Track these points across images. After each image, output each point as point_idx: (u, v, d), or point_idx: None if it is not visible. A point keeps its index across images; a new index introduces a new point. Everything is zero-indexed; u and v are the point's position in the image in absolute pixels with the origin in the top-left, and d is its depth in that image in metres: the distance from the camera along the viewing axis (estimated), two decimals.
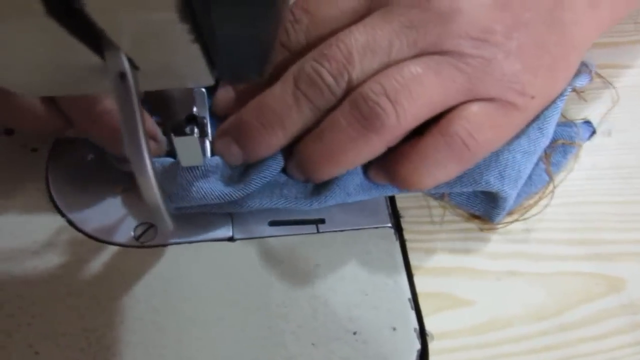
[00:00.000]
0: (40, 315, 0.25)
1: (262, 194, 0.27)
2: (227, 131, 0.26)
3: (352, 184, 0.27)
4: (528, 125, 0.27)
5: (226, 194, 0.26)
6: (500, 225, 0.29)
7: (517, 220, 0.29)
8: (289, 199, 0.27)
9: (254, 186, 0.26)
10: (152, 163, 0.18)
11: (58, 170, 0.29)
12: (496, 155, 0.27)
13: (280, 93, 0.25)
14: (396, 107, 0.23)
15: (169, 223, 0.20)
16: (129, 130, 0.17)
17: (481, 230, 0.29)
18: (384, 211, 0.29)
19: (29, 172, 0.29)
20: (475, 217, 0.30)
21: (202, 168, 0.26)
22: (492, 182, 0.26)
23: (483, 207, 0.29)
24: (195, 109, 0.24)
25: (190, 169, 0.26)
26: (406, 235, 0.29)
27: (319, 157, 0.25)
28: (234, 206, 0.27)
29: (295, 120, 0.25)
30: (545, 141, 0.28)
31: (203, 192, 0.25)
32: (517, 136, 0.27)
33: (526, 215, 0.29)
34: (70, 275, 0.26)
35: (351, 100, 0.24)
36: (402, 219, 0.29)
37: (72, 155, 0.29)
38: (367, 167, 0.28)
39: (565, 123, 0.32)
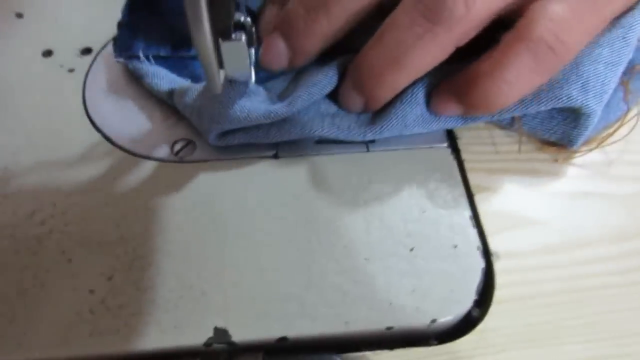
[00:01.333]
0: (75, 223, 0.23)
1: (312, 121, 0.25)
2: (274, 26, 0.24)
3: (412, 115, 0.25)
4: (610, 34, 0.24)
5: (271, 112, 0.24)
6: (578, 154, 0.26)
7: (594, 148, 0.26)
8: (341, 128, 0.25)
9: (302, 102, 0.24)
10: (209, 17, 0.17)
11: (95, 88, 0.28)
12: (576, 66, 0.24)
13: None
14: None
15: (218, 84, 0.19)
16: None
17: (556, 161, 0.26)
18: (439, 131, 0.27)
19: (66, 90, 0.28)
20: (549, 144, 0.27)
21: (245, 88, 0.24)
22: (575, 96, 0.23)
23: (562, 129, 0.25)
24: (243, 17, 0.22)
25: (234, 86, 0.24)
26: (464, 156, 0.26)
27: (382, 63, 0.23)
28: (281, 132, 0.25)
29: (342, 5, 0.23)
30: (629, 51, 0.24)
31: (247, 111, 0.24)
32: (600, 45, 0.24)
33: (605, 144, 0.26)
34: (107, 187, 0.24)
35: None
36: (458, 140, 0.27)
37: (109, 74, 0.28)
38: (429, 98, 0.25)
39: None
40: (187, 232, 0.23)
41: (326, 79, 0.25)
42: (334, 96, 0.26)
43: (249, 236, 0.23)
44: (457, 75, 0.24)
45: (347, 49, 0.26)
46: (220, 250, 0.23)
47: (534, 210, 0.25)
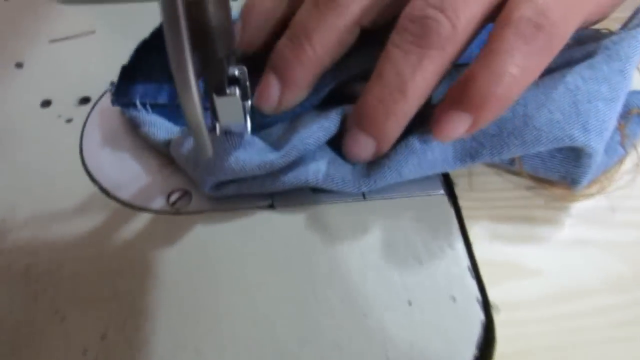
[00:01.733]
0: (69, 279, 0.23)
1: (307, 171, 0.25)
2: (267, 66, 0.25)
3: (407, 165, 0.24)
4: (609, 68, 0.24)
5: (266, 163, 0.24)
6: (578, 199, 0.26)
7: (595, 194, 0.26)
8: (335, 180, 0.25)
9: (297, 153, 0.24)
10: (197, 80, 0.17)
11: (92, 139, 0.28)
12: (575, 106, 0.24)
13: (304, 5, 0.24)
14: (446, 12, 0.21)
15: (208, 147, 0.19)
16: (173, 40, 0.16)
17: (554, 201, 0.26)
18: (435, 177, 0.27)
19: (64, 141, 0.28)
20: (549, 184, 0.26)
21: (240, 139, 0.24)
22: (577, 136, 0.23)
23: (564, 168, 0.25)
24: (237, 71, 0.23)
25: (229, 138, 0.24)
26: (461, 203, 0.26)
27: (387, 96, 0.23)
28: (275, 183, 0.25)
29: (323, 32, 0.24)
30: (627, 85, 0.24)
31: (242, 162, 0.24)
32: (597, 81, 0.24)
33: (606, 191, 0.26)
34: (102, 240, 0.24)
35: (399, 27, 0.22)
36: (455, 187, 0.27)
37: (107, 124, 0.29)
38: (423, 144, 0.24)
39: (638, 90, 0.30)
40: (183, 287, 0.23)
41: (321, 130, 0.25)
42: (328, 143, 0.26)
43: (244, 290, 0.23)
44: (451, 87, 0.23)
45: (345, 94, 0.27)
46: (216, 305, 0.22)
47: (534, 259, 0.24)
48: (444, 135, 0.23)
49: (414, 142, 0.24)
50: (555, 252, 0.25)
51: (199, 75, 0.17)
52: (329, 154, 0.26)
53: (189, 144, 0.25)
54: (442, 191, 0.26)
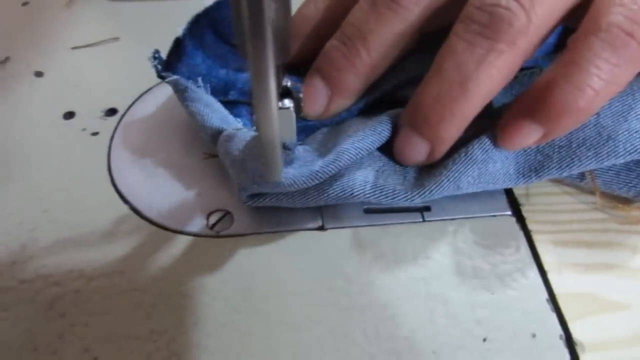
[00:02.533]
0: (99, 314, 0.20)
1: (353, 182, 0.22)
2: (313, 68, 0.23)
3: (466, 176, 0.22)
4: None
5: (318, 172, 0.21)
6: None
7: None
8: (384, 192, 0.22)
9: (348, 158, 0.21)
10: (278, 92, 0.14)
11: (121, 154, 0.25)
12: None
13: (360, 5, 0.22)
14: (520, 1, 0.19)
15: (278, 171, 0.16)
16: (255, 46, 0.13)
17: (628, 222, 0.23)
18: (501, 197, 0.24)
19: (90, 156, 0.25)
20: (624, 203, 0.24)
21: (291, 153, 0.22)
22: None
23: None
24: (289, 82, 0.20)
25: (282, 152, 0.21)
26: (530, 226, 0.23)
27: (445, 93, 0.20)
28: (319, 195, 0.22)
29: (382, 35, 0.21)
30: None
31: (292, 177, 0.21)
32: None
33: None
34: (135, 268, 0.22)
35: (464, 16, 0.20)
36: (522, 207, 0.24)
37: (136, 137, 0.26)
38: (486, 154, 0.22)
39: None
40: (226, 323, 0.20)
41: (374, 134, 0.22)
42: (377, 151, 0.23)
43: (295, 327, 0.20)
44: (524, 95, 0.20)
45: (395, 100, 0.24)
46: (265, 344, 0.20)
47: (618, 290, 0.22)
48: (511, 145, 0.21)
49: (475, 150, 0.22)
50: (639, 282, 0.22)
51: (279, 86, 0.15)
52: (377, 163, 0.23)
53: (239, 142, 0.22)
54: (509, 212, 0.24)
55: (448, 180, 0.22)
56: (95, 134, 0.26)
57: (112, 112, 0.27)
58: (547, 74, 0.20)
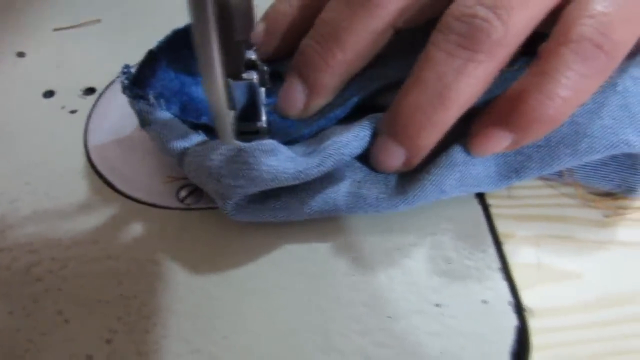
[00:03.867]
0: (73, 280, 0.21)
1: (337, 193, 0.22)
2: (291, 67, 0.23)
3: (449, 179, 0.22)
4: None
5: (301, 172, 0.21)
6: (630, 211, 0.24)
7: None
8: (368, 201, 0.22)
9: (332, 163, 0.21)
10: (221, 61, 0.15)
11: (98, 131, 0.26)
12: (626, 109, 0.22)
13: (334, 3, 0.22)
14: (498, 12, 0.19)
15: (229, 134, 0.17)
16: (198, 20, 0.14)
17: (606, 217, 0.24)
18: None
19: (68, 133, 0.26)
20: (600, 196, 0.25)
21: (268, 145, 0.21)
22: (632, 141, 0.21)
23: (619, 177, 0.23)
24: (254, 56, 0.21)
25: (259, 145, 0.21)
26: (489, 200, 0.25)
27: (424, 102, 0.20)
28: (302, 206, 0.22)
29: (356, 33, 0.22)
30: None
31: (274, 171, 0.21)
32: None
33: None
34: (108, 238, 0.23)
35: (442, 26, 0.20)
36: None
37: (113, 115, 0.27)
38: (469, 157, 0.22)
39: None
40: (196, 289, 0.21)
41: (357, 140, 0.22)
42: (357, 162, 0.24)
43: (262, 293, 0.21)
44: (495, 103, 0.21)
45: (375, 107, 0.24)
46: (232, 309, 0.21)
47: (571, 261, 0.23)
48: (481, 151, 0.22)
49: (456, 154, 0.22)
50: (594, 254, 0.23)
51: (223, 57, 0.15)
52: (359, 174, 0.23)
53: (212, 152, 0.21)
54: None
55: (432, 184, 0.22)
56: (73, 111, 0.27)
57: (90, 91, 0.28)
58: (519, 83, 0.20)
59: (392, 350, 0.20)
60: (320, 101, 0.24)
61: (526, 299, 0.22)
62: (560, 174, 0.24)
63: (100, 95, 0.28)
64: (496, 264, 0.23)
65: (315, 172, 0.21)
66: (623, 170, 0.23)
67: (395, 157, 0.22)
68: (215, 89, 0.15)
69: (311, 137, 0.24)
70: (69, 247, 0.22)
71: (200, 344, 0.20)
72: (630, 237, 0.24)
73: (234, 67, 0.21)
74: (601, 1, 0.20)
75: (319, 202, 0.22)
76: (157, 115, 0.23)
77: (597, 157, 0.22)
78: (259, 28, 0.25)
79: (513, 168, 0.23)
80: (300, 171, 0.21)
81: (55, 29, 0.32)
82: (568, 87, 0.19)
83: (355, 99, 0.24)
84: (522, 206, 0.25)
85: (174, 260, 0.22)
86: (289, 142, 0.24)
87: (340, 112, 0.24)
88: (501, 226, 0.24)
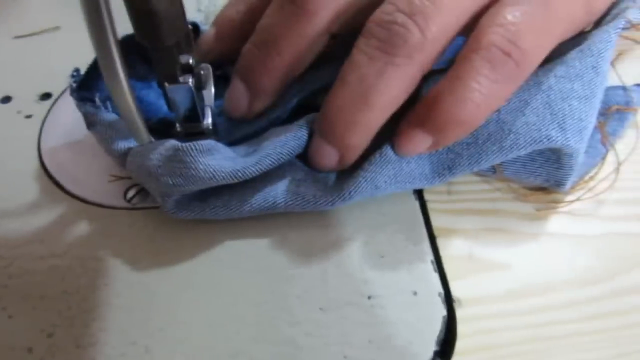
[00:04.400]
0: (19, 276, 0.22)
1: (275, 191, 0.23)
2: (234, 70, 0.24)
3: (382, 176, 0.23)
4: (580, 64, 0.24)
5: (238, 171, 0.22)
6: (561, 205, 0.25)
7: (582, 197, 0.25)
8: (306, 198, 0.23)
9: (270, 162, 0.22)
10: (125, 70, 0.16)
11: (51, 135, 0.27)
12: (549, 106, 0.23)
13: (271, 10, 0.23)
14: (415, 19, 0.20)
15: (144, 135, 0.18)
16: (94, 30, 0.15)
17: (537, 210, 0.25)
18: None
19: (22, 137, 0.27)
20: (534, 190, 0.26)
21: (205, 145, 0.22)
22: (554, 136, 0.22)
23: (545, 171, 0.24)
24: (190, 59, 0.22)
25: (197, 145, 0.22)
26: (426, 196, 0.25)
27: (349, 104, 0.22)
28: (241, 204, 0.23)
29: (292, 39, 0.23)
30: (601, 81, 0.24)
31: (212, 170, 0.21)
32: (570, 79, 0.23)
33: (588, 194, 0.25)
34: (55, 237, 0.24)
35: (365, 32, 0.21)
36: None
37: (67, 120, 0.28)
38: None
39: (616, 86, 0.29)
40: (135, 284, 0.22)
41: (295, 139, 0.23)
42: (299, 161, 0.24)
43: (199, 287, 0.22)
44: (417, 105, 0.22)
45: (315, 107, 0.24)
46: (168, 303, 0.22)
47: (500, 253, 0.24)
48: (405, 151, 0.23)
49: (388, 151, 0.23)
50: (523, 245, 0.24)
51: (128, 63, 0.16)
52: (299, 173, 0.24)
53: (152, 152, 0.22)
54: None
55: (365, 180, 0.23)
56: (29, 116, 0.28)
57: (46, 96, 0.29)
58: (436, 87, 0.21)
59: (321, 340, 0.21)
60: (262, 103, 0.25)
61: (456, 290, 0.22)
62: (493, 170, 0.25)
63: (56, 100, 0.29)
64: (429, 256, 0.23)
65: (253, 171, 0.22)
66: (549, 165, 0.24)
67: (328, 157, 0.23)
68: (120, 90, 0.16)
69: (254, 138, 0.25)
70: (16, 246, 0.23)
71: (137, 337, 0.21)
72: (559, 229, 0.24)
73: (169, 72, 0.21)
74: (512, 11, 0.21)
75: (258, 200, 0.23)
76: (102, 116, 0.24)
77: (522, 152, 0.23)
78: (210, 33, 0.27)
79: (446, 165, 0.24)
80: (238, 170, 0.22)
81: (16, 37, 0.33)
82: (479, 91, 0.20)
83: (295, 100, 0.25)
84: (458, 201, 0.25)
85: (116, 257, 0.23)
86: (233, 142, 0.25)
87: (281, 112, 0.25)
88: (436, 221, 0.25)
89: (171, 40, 0.20)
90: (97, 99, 0.25)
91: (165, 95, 0.22)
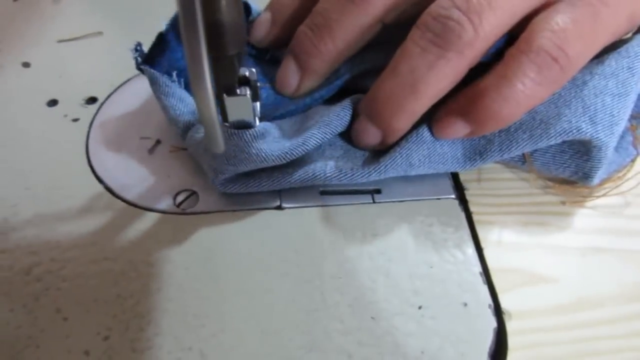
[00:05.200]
0: (72, 280, 0.22)
1: (315, 164, 0.24)
2: (287, 50, 0.25)
3: (417, 154, 0.24)
4: (616, 64, 0.24)
5: (287, 153, 0.23)
6: (588, 199, 0.26)
7: (605, 195, 0.26)
8: (343, 171, 0.24)
9: (315, 141, 0.24)
10: (211, 73, 0.16)
11: (99, 139, 0.28)
12: (582, 99, 0.23)
13: None
14: (470, 17, 0.21)
15: (220, 143, 0.18)
16: (188, 31, 0.15)
17: (563, 203, 0.26)
18: (446, 182, 0.26)
19: (70, 141, 0.28)
20: (563, 183, 0.26)
21: (258, 130, 0.23)
22: (585, 129, 0.23)
23: (574, 163, 0.25)
24: (247, 72, 0.22)
25: (246, 130, 0.23)
26: (472, 208, 0.26)
27: (398, 91, 0.23)
28: (284, 177, 0.24)
29: (346, 26, 0.23)
30: (636, 81, 0.24)
31: (264, 153, 0.23)
32: (605, 77, 0.24)
33: (616, 190, 0.26)
34: (106, 240, 0.24)
35: (420, 24, 0.22)
36: (466, 191, 0.26)
37: (114, 124, 0.28)
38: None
39: None
40: (188, 289, 0.22)
41: (338, 119, 0.25)
42: (339, 140, 0.26)
43: (250, 294, 0.22)
44: (460, 94, 0.23)
45: (357, 89, 0.26)
46: (221, 309, 0.22)
47: (548, 266, 0.24)
48: (443, 135, 0.24)
49: (424, 132, 0.24)
50: (570, 259, 0.24)
51: (213, 71, 0.17)
52: (338, 152, 0.26)
53: None
54: (453, 195, 0.26)
55: (401, 156, 0.24)
56: (75, 120, 0.29)
57: (92, 100, 0.30)
58: (483, 81, 0.22)
59: (374, 350, 0.21)
60: (310, 83, 0.26)
61: (504, 303, 0.23)
62: (523, 161, 0.26)
63: (102, 104, 0.29)
64: (477, 268, 0.23)
65: (299, 151, 0.24)
66: (579, 157, 0.25)
67: (372, 136, 0.25)
68: (207, 102, 0.16)
69: (297, 114, 0.27)
70: (68, 249, 0.23)
71: (191, 342, 0.21)
72: (605, 243, 0.25)
73: (228, 83, 0.22)
74: (564, 18, 0.21)
75: (300, 173, 0.24)
76: (176, 90, 0.26)
77: (552, 142, 0.24)
78: (264, 18, 0.27)
79: (477, 151, 0.25)
80: (287, 152, 0.23)
81: (59, 41, 0.33)
82: (523, 92, 0.21)
83: (340, 82, 0.26)
84: (504, 213, 0.26)
85: (168, 262, 0.23)
86: (276, 116, 0.27)
87: (325, 92, 0.26)
88: (483, 232, 0.25)
89: (233, 50, 0.20)
90: (174, 74, 0.26)
91: (222, 106, 0.22)
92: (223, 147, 0.19)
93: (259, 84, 0.23)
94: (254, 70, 0.22)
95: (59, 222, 0.24)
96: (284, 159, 0.23)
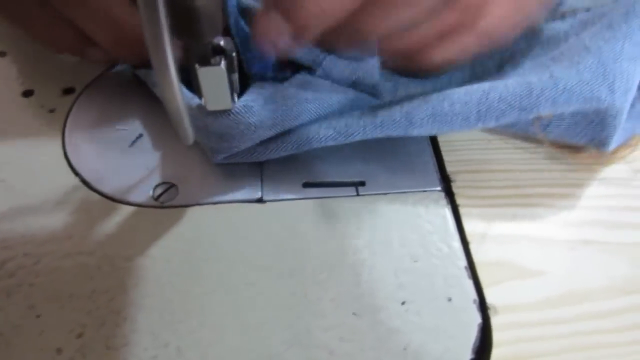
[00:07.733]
0: (46, 275, 0.22)
1: (308, 129, 0.24)
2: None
3: (419, 113, 0.23)
4: (628, 26, 0.24)
5: (277, 124, 0.23)
6: (613, 160, 0.26)
7: (626, 156, 0.26)
8: (337, 128, 0.23)
9: (307, 116, 0.23)
10: (176, 63, 0.16)
11: (75, 130, 0.27)
12: (603, 66, 0.23)
13: None
14: None
15: (189, 134, 0.18)
16: (149, 20, 0.15)
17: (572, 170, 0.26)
18: (432, 174, 0.26)
19: (46, 132, 0.27)
20: (577, 149, 0.26)
21: (249, 102, 0.23)
22: (603, 98, 0.23)
23: (590, 133, 0.25)
24: (222, 41, 0.21)
25: (233, 107, 0.22)
26: (458, 200, 0.25)
27: None
28: (278, 145, 0.24)
29: None
30: None
31: (253, 127, 0.22)
32: (618, 39, 0.24)
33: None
34: (82, 234, 0.23)
35: None
36: (453, 184, 0.26)
37: (91, 115, 0.27)
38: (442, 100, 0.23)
39: None
40: (165, 284, 0.22)
41: (337, 96, 0.24)
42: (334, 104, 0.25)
43: (230, 289, 0.22)
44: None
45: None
46: (200, 305, 0.21)
47: (535, 260, 0.23)
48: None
49: (431, 94, 0.23)
50: (558, 252, 0.24)
51: (178, 59, 0.16)
52: (334, 115, 0.25)
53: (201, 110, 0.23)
54: (439, 187, 0.25)
55: (401, 114, 0.23)
56: (52, 110, 0.28)
57: (69, 91, 0.29)
58: None
59: (356, 345, 0.20)
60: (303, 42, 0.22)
61: (490, 297, 0.22)
62: (533, 127, 0.26)
63: (79, 95, 0.28)
64: (462, 262, 0.23)
65: (292, 124, 0.23)
66: (593, 127, 0.25)
67: (278, 29, 0.21)
68: (172, 91, 0.15)
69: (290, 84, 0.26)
70: (42, 243, 0.23)
71: (168, 338, 0.20)
72: (594, 237, 0.24)
73: (200, 52, 0.20)
74: None
75: (293, 138, 0.24)
76: None
77: (571, 109, 0.23)
78: None
79: (494, 115, 0.23)
80: (277, 123, 0.23)
81: None
82: None
83: (325, 55, 0.26)
84: (490, 206, 0.25)
85: (145, 256, 0.22)
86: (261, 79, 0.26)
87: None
88: (469, 225, 0.24)
89: (210, 37, 0.20)
90: None
91: (195, 79, 0.21)
92: (192, 139, 0.18)
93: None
94: (229, 38, 0.21)
95: (33, 215, 0.24)
96: (275, 129, 0.23)
